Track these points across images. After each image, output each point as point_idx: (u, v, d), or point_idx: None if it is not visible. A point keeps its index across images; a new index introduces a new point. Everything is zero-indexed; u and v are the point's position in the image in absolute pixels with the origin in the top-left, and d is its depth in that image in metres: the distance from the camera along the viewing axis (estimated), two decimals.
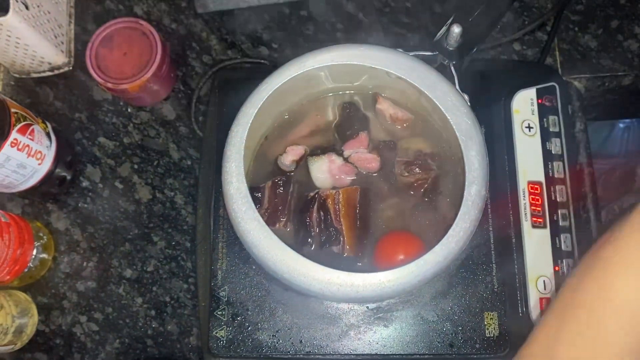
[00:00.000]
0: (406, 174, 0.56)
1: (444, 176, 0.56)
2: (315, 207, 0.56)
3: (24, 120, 0.60)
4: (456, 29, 0.49)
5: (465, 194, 0.49)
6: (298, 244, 0.56)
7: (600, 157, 1.04)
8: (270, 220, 0.57)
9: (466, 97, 0.52)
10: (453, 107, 0.50)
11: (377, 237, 0.56)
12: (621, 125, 1.07)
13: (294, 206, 0.58)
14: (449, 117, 0.50)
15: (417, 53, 0.53)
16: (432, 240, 0.55)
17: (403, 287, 0.47)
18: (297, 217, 0.57)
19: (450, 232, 0.48)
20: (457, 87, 0.52)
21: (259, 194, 0.57)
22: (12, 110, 0.58)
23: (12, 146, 0.58)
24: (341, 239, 0.55)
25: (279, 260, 0.48)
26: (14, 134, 0.58)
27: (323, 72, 0.54)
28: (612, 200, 0.95)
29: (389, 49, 0.53)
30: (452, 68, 0.53)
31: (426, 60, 0.53)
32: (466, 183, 0.49)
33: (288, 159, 0.57)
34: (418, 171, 0.56)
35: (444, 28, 0.51)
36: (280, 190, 0.58)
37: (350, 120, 0.58)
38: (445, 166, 0.56)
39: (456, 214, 0.50)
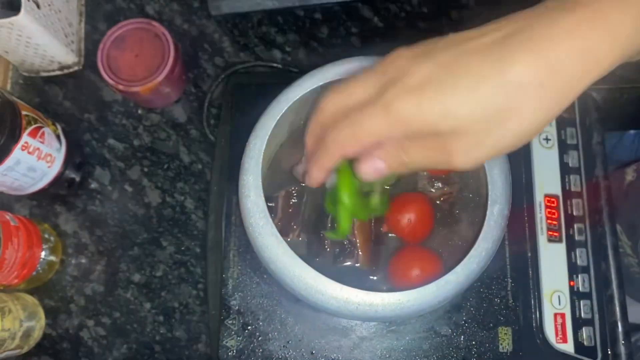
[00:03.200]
0: (431, 189, 0.56)
1: (464, 192, 0.55)
2: (330, 219, 0.55)
3: (34, 123, 0.58)
4: None
5: (487, 213, 0.48)
6: (311, 256, 0.56)
7: (610, 165, 1.03)
8: (284, 230, 0.56)
9: None
10: None
11: (392, 251, 0.56)
12: (631, 132, 1.06)
13: (307, 217, 0.57)
14: None
15: None
16: (447, 255, 0.55)
17: (423, 307, 0.46)
18: (311, 229, 0.56)
19: (472, 252, 0.47)
20: None
21: (272, 204, 0.56)
22: (23, 112, 0.57)
23: (22, 149, 0.57)
24: (355, 252, 0.55)
25: (296, 277, 0.47)
26: (25, 137, 0.57)
27: None
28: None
29: None
30: None
31: None
32: (489, 202, 0.48)
33: (304, 169, 0.56)
34: (441, 186, 0.55)
35: None
36: (294, 201, 0.57)
37: None
38: (464, 182, 0.55)
39: (475, 232, 0.49)
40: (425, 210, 0.54)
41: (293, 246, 0.49)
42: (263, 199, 0.48)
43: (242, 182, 0.49)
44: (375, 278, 0.55)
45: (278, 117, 0.50)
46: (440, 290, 0.46)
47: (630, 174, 0.89)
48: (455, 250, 0.54)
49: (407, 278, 0.52)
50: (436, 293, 0.45)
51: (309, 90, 0.50)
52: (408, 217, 0.53)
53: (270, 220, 0.48)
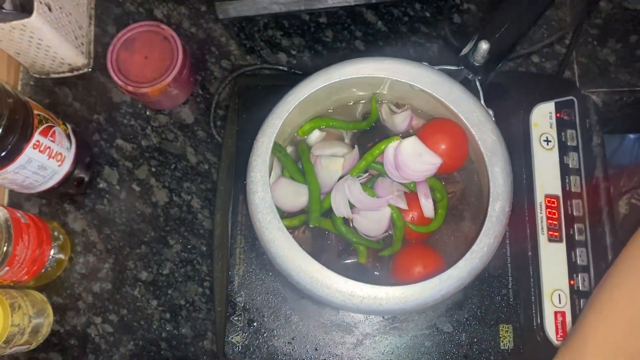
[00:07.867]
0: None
1: (466, 191, 0.57)
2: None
3: (46, 122, 0.60)
4: (484, 45, 0.49)
5: (489, 209, 0.49)
6: (316, 252, 0.57)
7: (611, 168, 1.04)
8: (289, 227, 0.57)
9: (491, 112, 0.52)
10: (479, 123, 0.51)
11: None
12: (632, 136, 1.07)
13: None
14: (474, 133, 0.51)
15: (442, 67, 0.54)
16: (450, 253, 0.56)
17: (425, 301, 0.47)
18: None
19: (474, 247, 0.48)
20: (482, 102, 0.53)
21: None
22: (35, 112, 0.59)
23: (34, 148, 0.58)
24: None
25: (302, 270, 0.48)
26: (37, 136, 0.58)
27: (347, 83, 0.54)
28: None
29: (415, 63, 0.53)
30: (478, 83, 0.53)
31: (450, 75, 0.53)
32: (490, 199, 0.49)
33: None
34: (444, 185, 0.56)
35: (471, 43, 0.52)
36: None
37: (371, 132, 0.59)
38: (467, 181, 0.57)
39: (477, 229, 0.50)
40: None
41: (298, 242, 0.50)
42: (270, 195, 0.49)
43: (250, 178, 0.50)
44: (378, 274, 0.56)
45: (285, 116, 0.51)
46: (443, 285, 0.47)
47: (623, 207, 0.87)
48: (458, 248, 0.55)
49: (410, 275, 0.53)
50: (439, 287, 0.47)
51: (314, 90, 0.52)
52: (411, 215, 0.54)
53: (277, 215, 0.49)
